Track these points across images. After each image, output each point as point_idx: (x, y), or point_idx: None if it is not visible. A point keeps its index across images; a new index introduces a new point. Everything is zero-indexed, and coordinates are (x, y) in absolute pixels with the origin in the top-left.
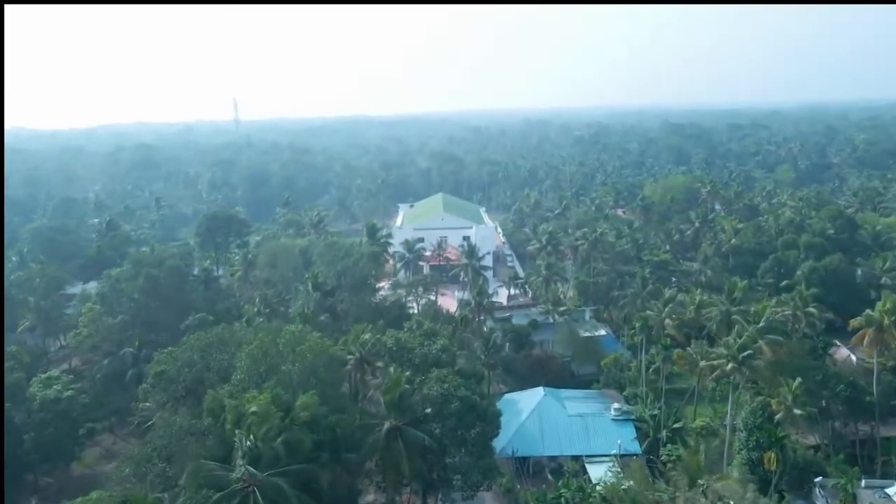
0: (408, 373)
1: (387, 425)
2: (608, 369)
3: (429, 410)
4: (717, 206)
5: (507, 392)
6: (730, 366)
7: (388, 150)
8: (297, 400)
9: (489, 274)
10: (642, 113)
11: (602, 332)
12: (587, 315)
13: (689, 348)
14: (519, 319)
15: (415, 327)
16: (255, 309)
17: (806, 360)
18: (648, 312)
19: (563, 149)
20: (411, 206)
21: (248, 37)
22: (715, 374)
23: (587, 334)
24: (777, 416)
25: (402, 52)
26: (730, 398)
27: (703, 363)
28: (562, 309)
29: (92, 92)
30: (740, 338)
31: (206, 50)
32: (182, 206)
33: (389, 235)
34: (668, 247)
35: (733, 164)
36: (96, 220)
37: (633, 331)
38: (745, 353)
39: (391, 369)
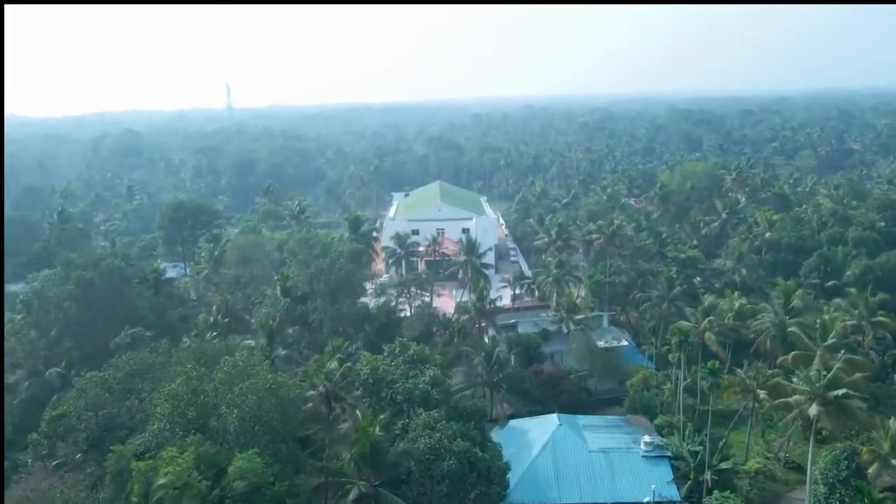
0: (383, 416)
1: (355, 492)
2: (635, 390)
3: (412, 464)
4: (740, 196)
5: (512, 415)
6: (814, 408)
7: (385, 137)
8: (234, 461)
9: (491, 272)
10: (646, 100)
11: (624, 342)
12: (605, 321)
13: (739, 371)
14: (526, 327)
15: (397, 351)
16: (212, 319)
17: (887, 387)
18: (683, 323)
19: (568, 135)
20: (406, 195)
21: (246, 24)
22: (791, 415)
23: (606, 344)
24: (869, 471)
25: (402, 39)
26: (810, 447)
27: (762, 394)
28: (578, 317)
29: (87, 79)
30: (827, 370)
31: (204, 37)
32: (163, 195)
33: (375, 229)
34: (695, 241)
35: (749, 151)
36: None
37: (666, 346)
38: (840, 393)
39: (360, 412)
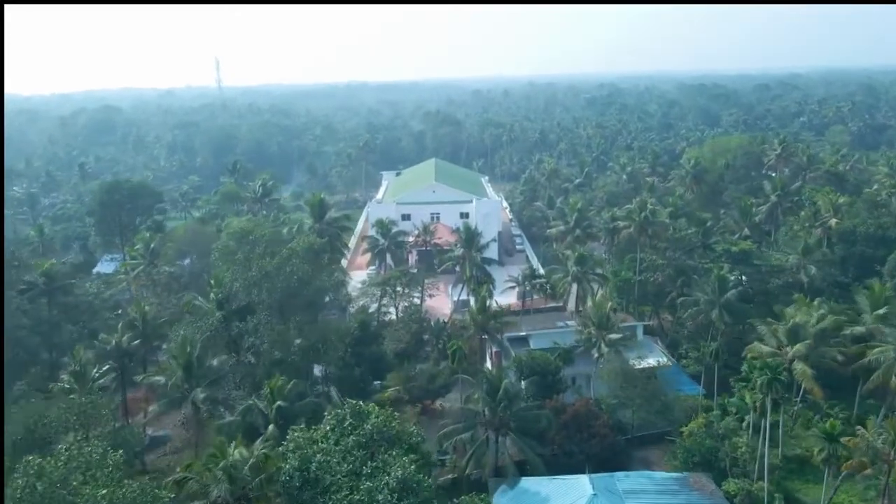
0: None
1: None
2: (694, 439)
3: None
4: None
5: (522, 464)
6: None
7: (381, 114)
8: None
9: (494, 267)
10: (650, 78)
11: (668, 361)
12: (639, 332)
13: (864, 431)
14: (540, 342)
15: (347, 423)
16: (113, 341)
17: None
18: (762, 347)
19: (574, 111)
20: (398, 174)
21: (241, 2)
22: None
23: (644, 364)
24: None
25: (401, 17)
26: None
27: None
28: (614, 337)
29: (81, 58)
30: None
31: (199, 14)
32: (132, 175)
33: (346, 217)
34: (746, 230)
35: (776, 126)
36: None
37: (741, 381)
38: None
39: None
